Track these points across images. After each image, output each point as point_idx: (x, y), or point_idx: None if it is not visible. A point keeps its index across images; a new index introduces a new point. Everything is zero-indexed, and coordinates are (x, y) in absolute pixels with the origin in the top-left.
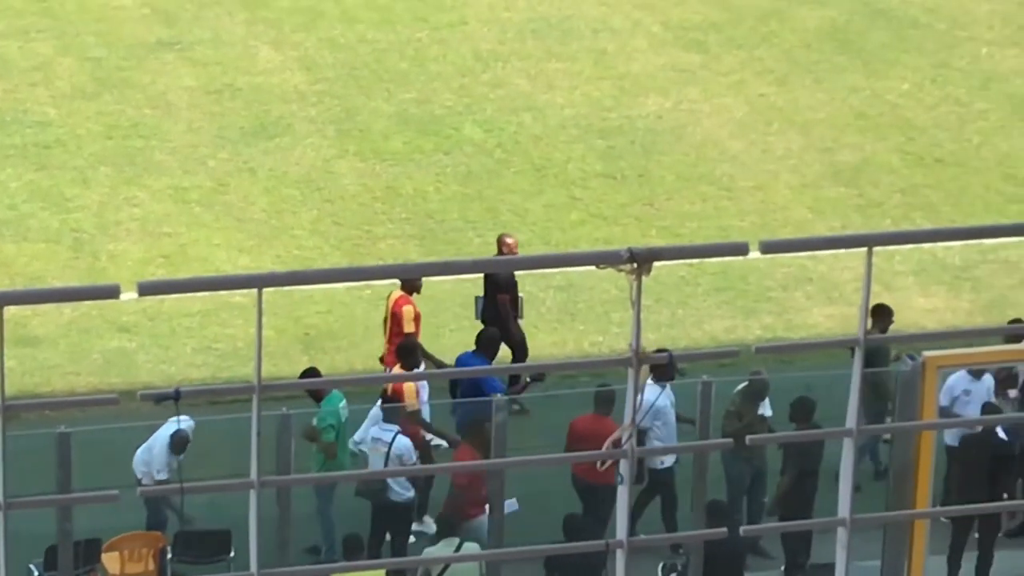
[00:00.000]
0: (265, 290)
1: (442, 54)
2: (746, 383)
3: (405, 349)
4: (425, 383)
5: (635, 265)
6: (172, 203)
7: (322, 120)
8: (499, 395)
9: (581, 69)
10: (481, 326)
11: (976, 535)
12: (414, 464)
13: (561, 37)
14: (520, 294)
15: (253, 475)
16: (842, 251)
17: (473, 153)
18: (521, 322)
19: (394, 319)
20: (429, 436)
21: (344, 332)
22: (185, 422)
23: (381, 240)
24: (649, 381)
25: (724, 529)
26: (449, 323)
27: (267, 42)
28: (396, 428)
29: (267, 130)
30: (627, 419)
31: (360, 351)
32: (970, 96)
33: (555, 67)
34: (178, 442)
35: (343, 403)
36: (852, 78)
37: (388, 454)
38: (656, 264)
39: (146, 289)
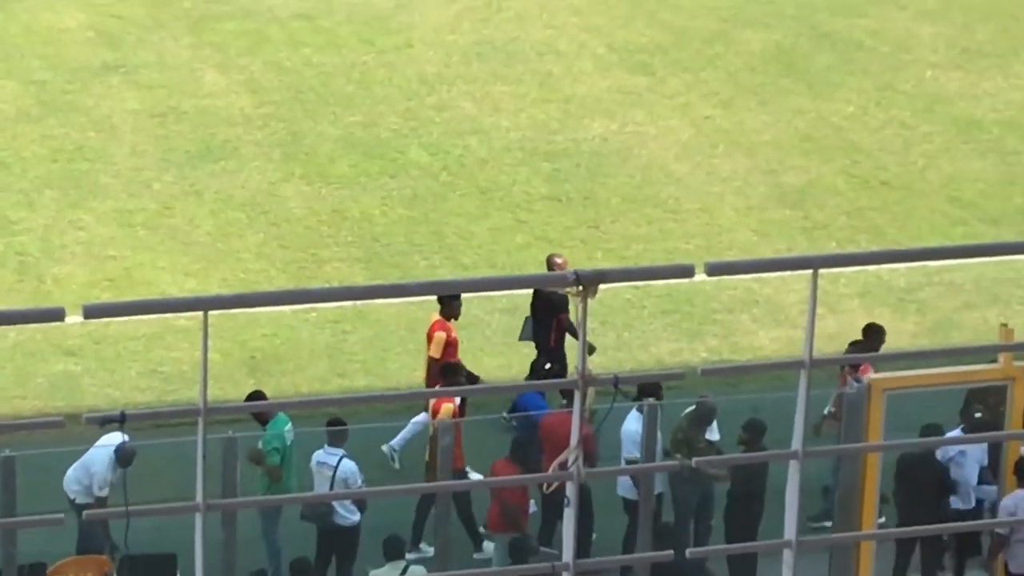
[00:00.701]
0: (211, 313)
1: (388, 77)
2: (693, 407)
3: (449, 369)
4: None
5: (581, 287)
6: (117, 226)
7: (268, 143)
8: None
9: (527, 92)
10: (522, 345)
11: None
12: (359, 487)
13: (506, 60)
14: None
15: (199, 498)
16: (788, 273)
17: (419, 176)
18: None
19: (428, 343)
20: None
21: (290, 355)
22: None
23: (327, 263)
24: (634, 411)
25: (671, 551)
26: (395, 347)
27: (212, 65)
28: (341, 452)
29: (213, 153)
30: (573, 442)
31: (306, 374)
32: (915, 119)
33: (501, 90)
34: (124, 456)
35: (288, 426)
36: (797, 100)
37: (334, 477)
38: (602, 286)
39: (91, 312)
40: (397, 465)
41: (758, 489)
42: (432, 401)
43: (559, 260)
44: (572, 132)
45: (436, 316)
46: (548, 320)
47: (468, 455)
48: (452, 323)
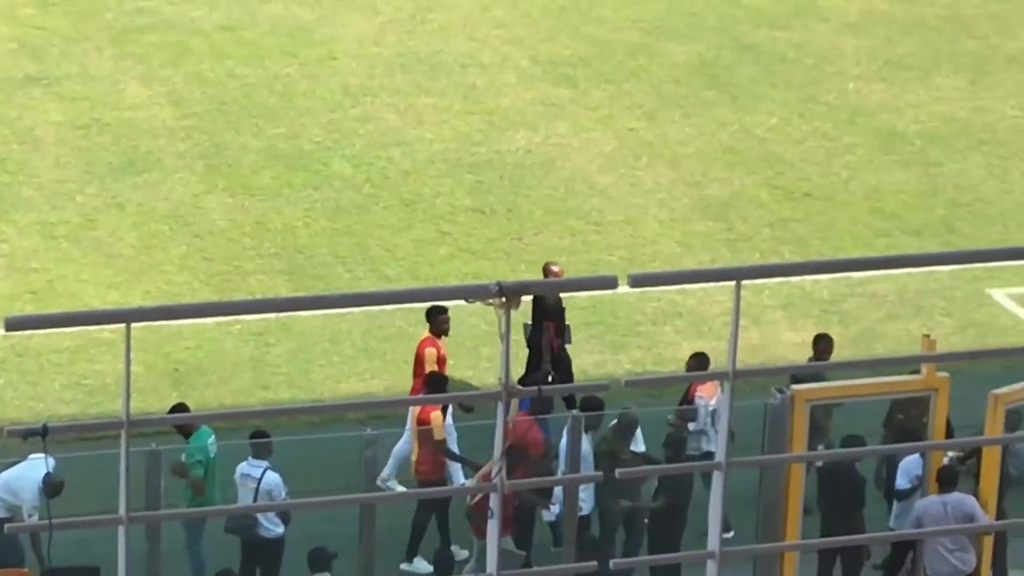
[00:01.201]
0: (134, 325)
1: (311, 89)
2: (616, 419)
3: (433, 379)
4: (450, 408)
5: (504, 299)
6: (40, 238)
7: (191, 155)
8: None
9: (450, 104)
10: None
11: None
12: (283, 499)
13: (430, 72)
14: (567, 322)
15: (122, 511)
16: (711, 285)
17: (342, 188)
18: (568, 348)
19: (417, 361)
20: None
21: (213, 367)
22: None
23: (251, 275)
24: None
25: (594, 563)
26: (318, 359)
27: (135, 77)
28: (265, 464)
29: (135, 165)
30: (496, 454)
31: (230, 387)
32: (837, 130)
33: (424, 102)
34: (51, 487)
35: (212, 439)
36: (720, 112)
37: (257, 489)
38: (526, 298)
39: (13, 324)
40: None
41: (682, 501)
42: (416, 411)
43: (555, 268)
44: (495, 144)
45: (425, 334)
46: (542, 325)
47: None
48: (442, 340)
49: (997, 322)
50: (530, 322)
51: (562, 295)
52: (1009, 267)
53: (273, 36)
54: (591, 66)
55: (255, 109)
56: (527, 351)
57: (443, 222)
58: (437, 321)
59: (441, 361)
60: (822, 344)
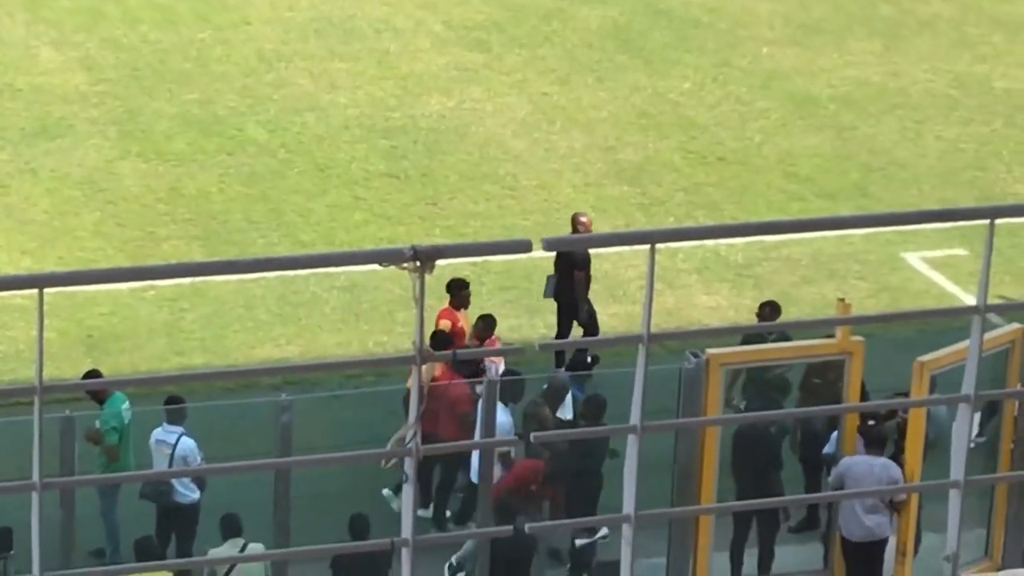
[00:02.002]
0: (47, 291)
1: (225, 54)
2: (546, 384)
3: (438, 339)
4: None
5: (418, 263)
6: None
7: (104, 121)
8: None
9: (364, 69)
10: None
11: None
12: (199, 465)
13: (344, 37)
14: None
15: (35, 477)
16: (626, 249)
17: (256, 154)
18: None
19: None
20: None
21: (128, 333)
22: None
23: (164, 241)
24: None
25: (510, 527)
26: (233, 324)
27: (48, 42)
28: (180, 430)
29: (48, 131)
30: (411, 418)
31: (144, 352)
32: (751, 95)
33: (338, 67)
34: None
35: (126, 405)
36: (634, 77)
37: (172, 455)
38: (440, 263)
39: None
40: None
41: (597, 465)
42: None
43: (584, 219)
44: (410, 109)
45: (444, 306)
46: (570, 277)
47: (311, 431)
48: (462, 312)
49: (911, 286)
50: (554, 274)
51: (477, 259)
52: (923, 231)
53: (187, 1)
54: (505, 31)
55: (169, 74)
56: (555, 304)
57: (358, 187)
58: (459, 295)
59: (459, 333)
60: (766, 311)
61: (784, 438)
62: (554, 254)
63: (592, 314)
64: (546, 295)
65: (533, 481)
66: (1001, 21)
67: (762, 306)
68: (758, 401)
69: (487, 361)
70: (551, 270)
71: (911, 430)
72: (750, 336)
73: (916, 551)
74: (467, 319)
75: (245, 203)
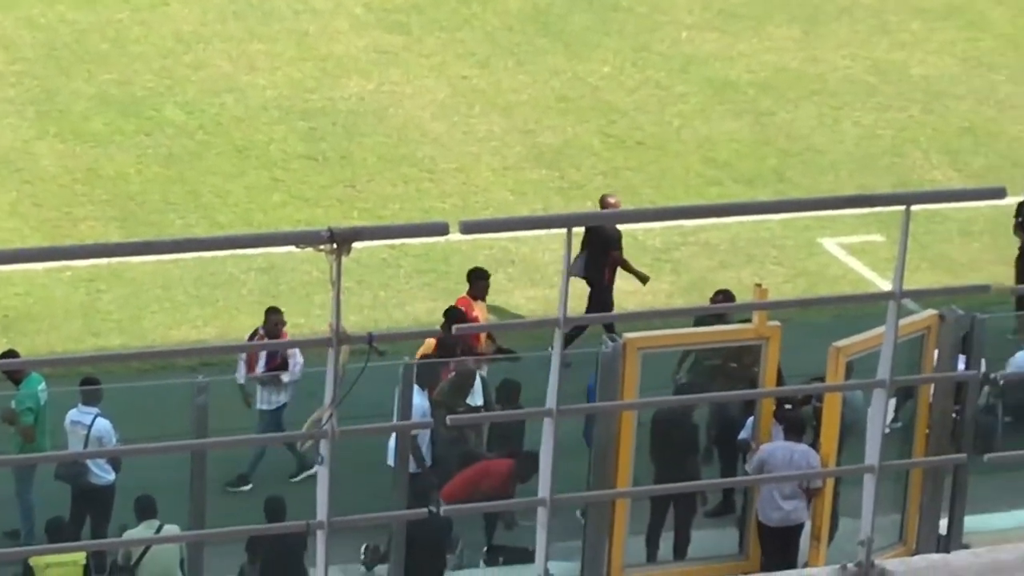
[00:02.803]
0: None
1: (143, 35)
2: (454, 373)
3: (451, 314)
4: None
5: (335, 245)
6: None
7: (21, 101)
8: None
9: (283, 51)
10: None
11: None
12: (114, 446)
13: (263, 18)
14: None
15: None
16: (544, 232)
17: (175, 135)
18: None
19: None
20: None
21: (43, 314)
22: None
23: (81, 222)
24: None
25: (425, 509)
26: (150, 305)
27: None
28: (95, 410)
29: None
30: (327, 400)
31: (60, 333)
32: (670, 79)
33: (257, 48)
34: None
35: (42, 386)
36: (554, 60)
37: (88, 436)
38: (358, 245)
39: None
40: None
41: (515, 449)
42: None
43: (612, 200)
44: (328, 91)
45: (462, 295)
46: (602, 255)
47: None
48: (479, 303)
49: (828, 271)
50: (582, 252)
51: (395, 242)
52: (840, 216)
53: None
54: (424, 13)
55: (87, 55)
56: (584, 284)
57: (276, 169)
58: (477, 284)
59: (471, 321)
60: (719, 299)
61: (704, 423)
62: (583, 230)
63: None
64: (572, 274)
65: (490, 481)
66: (919, 8)
67: (715, 295)
68: (696, 384)
69: (288, 354)
70: (469, 253)
71: (826, 416)
72: (703, 319)
73: (832, 536)
74: (483, 309)
75: (163, 184)
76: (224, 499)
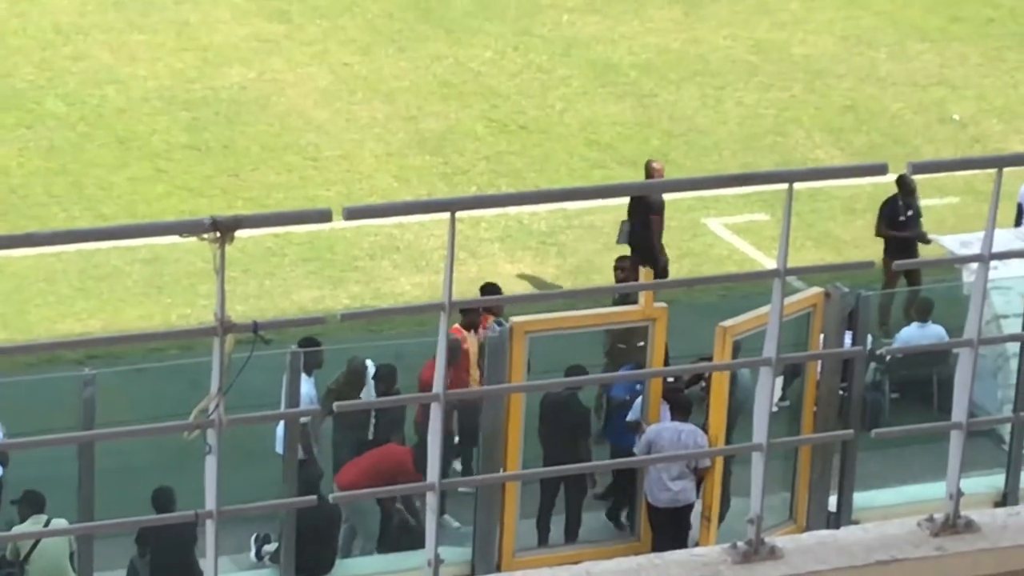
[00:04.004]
0: None
1: (22, 28)
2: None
3: (488, 289)
4: None
5: (218, 234)
6: None
7: None
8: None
9: (163, 41)
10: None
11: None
12: (1, 440)
13: (143, 9)
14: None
15: None
16: (428, 218)
17: (56, 127)
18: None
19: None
20: None
21: None
22: None
23: None
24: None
25: (314, 497)
26: (34, 299)
27: None
28: None
29: None
30: (213, 389)
31: None
32: (552, 63)
33: (137, 39)
34: None
35: None
36: (435, 46)
37: None
38: (243, 235)
39: None
40: None
41: (397, 435)
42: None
43: (656, 165)
44: (210, 81)
45: (455, 325)
46: (647, 221)
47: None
48: (471, 334)
49: (713, 251)
50: (627, 220)
51: (280, 230)
52: (724, 197)
53: None
54: (305, 1)
55: None
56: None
57: (159, 160)
58: (468, 316)
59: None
60: (623, 263)
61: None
62: (627, 200)
63: (666, 262)
64: (619, 241)
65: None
66: None
67: (619, 260)
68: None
69: None
70: (354, 240)
71: (714, 395)
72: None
73: (723, 516)
74: (474, 343)
75: (45, 177)
76: (113, 492)
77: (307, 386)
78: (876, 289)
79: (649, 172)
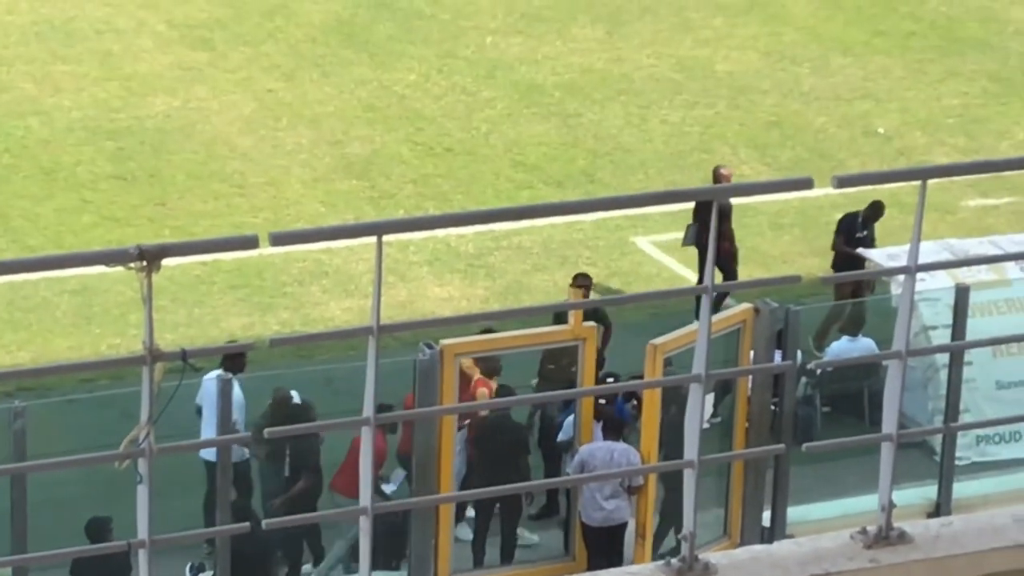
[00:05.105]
0: None
1: None
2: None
3: (579, 280)
4: None
5: (144, 263)
6: None
7: None
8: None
9: (87, 71)
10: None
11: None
12: None
13: (65, 39)
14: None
15: None
16: (356, 243)
17: None
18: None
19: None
20: None
21: None
22: None
23: None
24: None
25: (247, 524)
26: None
27: None
28: None
29: None
30: (143, 418)
31: None
32: (477, 85)
33: (61, 69)
34: None
35: None
36: (359, 71)
37: None
38: (171, 263)
39: None
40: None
41: (314, 462)
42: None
43: (724, 171)
44: (135, 110)
45: (477, 374)
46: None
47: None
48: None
49: (641, 270)
50: (694, 223)
51: (208, 258)
52: (651, 215)
53: None
54: (228, 28)
55: None
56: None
57: (85, 190)
58: (485, 363)
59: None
60: (580, 282)
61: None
62: (692, 205)
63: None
64: (685, 243)
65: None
66: (721, 5)
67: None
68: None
69: None
70: (282, 266)
71: (646, 413)
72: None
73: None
74: (491, 387)
75: None
76: (46, 524)
77: (240, 392)
78: (806, 304)
79: (717, 178)
